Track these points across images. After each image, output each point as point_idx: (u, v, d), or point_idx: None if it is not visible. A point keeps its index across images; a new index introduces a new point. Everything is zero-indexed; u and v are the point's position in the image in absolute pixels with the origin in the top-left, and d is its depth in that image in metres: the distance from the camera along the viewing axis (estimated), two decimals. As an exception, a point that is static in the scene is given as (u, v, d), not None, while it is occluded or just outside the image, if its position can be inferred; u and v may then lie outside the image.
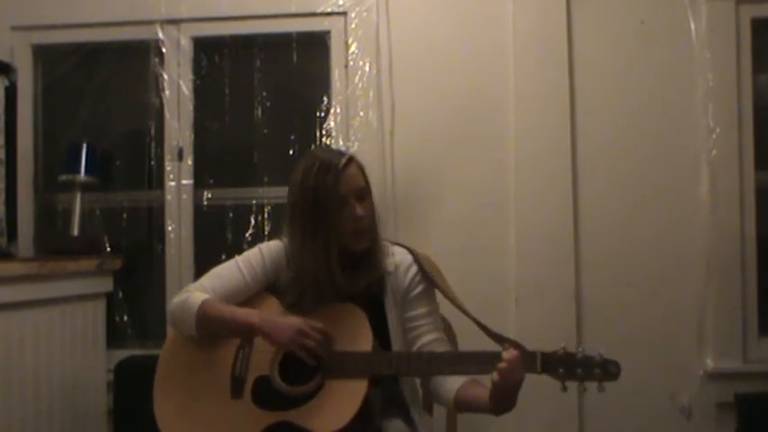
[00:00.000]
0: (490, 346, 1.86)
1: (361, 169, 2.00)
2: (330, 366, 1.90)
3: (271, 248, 2.09)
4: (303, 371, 1.91)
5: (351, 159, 1.98)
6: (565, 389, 1.79)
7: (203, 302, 1.95)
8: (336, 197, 1.92)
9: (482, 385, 1.86)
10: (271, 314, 1.96)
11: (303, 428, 1.85)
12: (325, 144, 2.91)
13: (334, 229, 1.92)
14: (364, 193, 1.98)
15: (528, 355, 1.78)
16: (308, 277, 1.96)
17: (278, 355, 1.96)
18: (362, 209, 1.94)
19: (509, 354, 1.73)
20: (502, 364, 1.71)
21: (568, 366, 1.77)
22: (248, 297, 2.06)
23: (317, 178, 1.92)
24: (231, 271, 2.05)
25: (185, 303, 1.97)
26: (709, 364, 2.70)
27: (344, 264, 1.97)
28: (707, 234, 2.71)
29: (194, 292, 1.99)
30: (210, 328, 1.97)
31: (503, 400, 1.77)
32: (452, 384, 1.93)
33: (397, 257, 2.08)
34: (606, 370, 1.76)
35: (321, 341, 1.87)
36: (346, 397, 1.86)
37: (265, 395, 1.91)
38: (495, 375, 1.72)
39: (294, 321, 1.89)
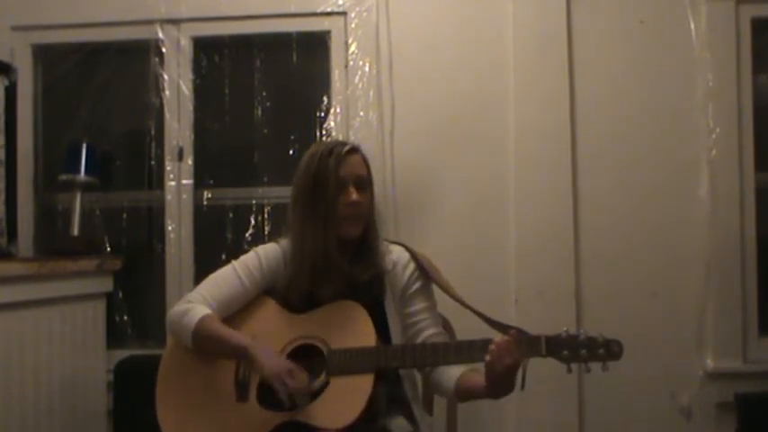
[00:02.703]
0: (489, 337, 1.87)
1: (365, 161, 2.06)
2: (335, 363, 1.91)
3: (267, 252, 2.10)
4: (307, 370, 1.91)
5: (355, 149, 2.04)
6: (570, 370, 1.81)
7: (200, 320, 1.95)
8: (336, 179, 1.97)
9: (480, 372, 1.87)
10: (266, 346, 1.94)
11: (312, 426, 1.85)
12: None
13: (332, 212, 1.96)
14: (363, 183, 2.03)
15: (532, 339, 1.81)
16: (307, 261, 1.98)
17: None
18: (358, 196, 1.99)
19: (501, 338, 1.75)
20: (492, 347, 1.74)
21: (572, 348, 1.79)
22: (247, 302, 2.06)
23: (320, 162, 1.99)
24: (229, 277, 2.06)
25: (183, 318, 1.97)
26: (710, 364, 2.70)
27: (343, 253, 2.01)
28: (707, 234, 2.71)
29: (195, 306, 1.99)
30: (205, 347, 1.97)
31: (497, 383, 1.78)
32: (453, 375, 1.95)
33: (395, 255, 2.10)
34: (609, 350, 1.79)
35: (302, 389, 1.86)
36: (353, 393, 1.87)
37: (271, 396, 1.91)
38: (487, 358, 1.74)
39: (286, 362, 1.90)
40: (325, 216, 1.97)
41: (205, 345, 1.97)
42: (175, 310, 2.01)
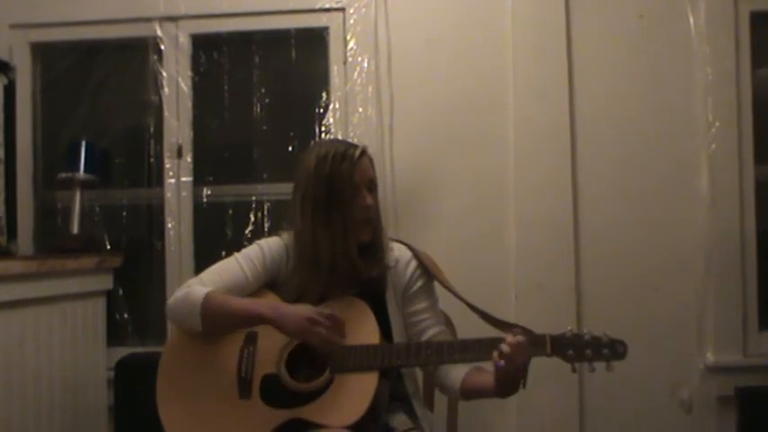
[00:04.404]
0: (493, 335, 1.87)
1: (372, 162, 2.05)
2: (339, 361, 1.90)
3: (270, 245, 2.09)
4: (311, 367, 1.91)
5: (364, 150, 2.03)
6: (574, 370, 1.82)
7: (207, 295, 1.93)
8: (351, 185, 1.95)
9: (487, 371, 1.88)
10: (278, 303, 1.95)
11: (316, 424, 1.84)
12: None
13: (350, 217, 1.96)
14: (373, 185, 2.03)
15: (537, 338, 1.81)
16: (325, 267, 1.97)
17: (284, 352, 1.95)
18: (371, 199, 1.99)
19: (512, 338, 1.75)
20: (504, 347, 1.73)
21: (577, 348, 1.80)
22: (248, 294, 2.05)
23: (333, 166, 1.96)
24: (231, 268, 2.04)
25: (187, 298, 1.95)
26: (710, 357, 2.70)
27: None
28: (706, 228, 2.71)
29: (196, 287, 1.98)
30: (216, 321, 1.95)
31: (507, 382, 1.78)
32: (458, 374, 1.95)
33: (397, 253, 2.10)
34: (614, 349, 1.80)
35: (332, 327, 1.86)
36: (358, 390, 1.86)
37: (274, 393, 1.91)
38: (497, 358, 1.74)
39: (303, 310, 1.89)
40: (343, 222, 1.96)
41: (215, 319, 1.94)
42: (175, 295, 2.00)
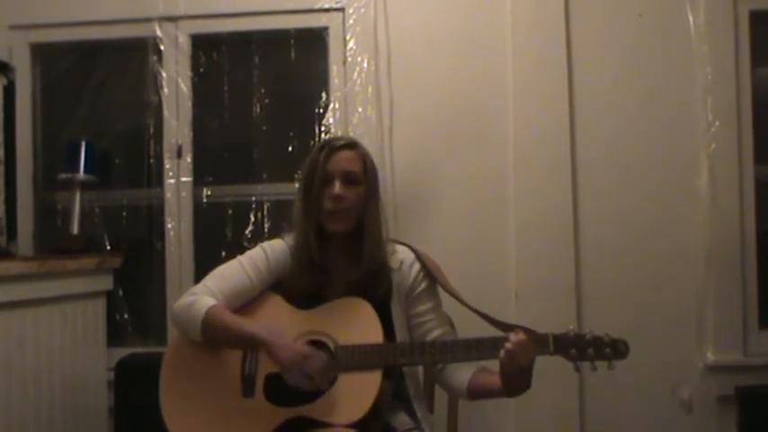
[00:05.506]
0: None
1: (362, 158, 2.04)
2: (343, 359, 1.91)
3: (274, 247, 2.10)
4: None
5: (352, 144, 2.04)
6: (578, 369, 1.84)
7: (210, 309, 1.94)
8: (323, 173, 1.98)
9: (493, 372, 1.89)
10: (279, 332, 1.92)
11: (320, 422, 1.85)
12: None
13: (315, 205, 1.98)
14: (353, 178, 2.01)
15: (540, 337, 1.83)
16: (296, 255, 2.01)
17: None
18: (343, 190, 1.97)
19: (516, 336, 1.77)
20: (508, 345, 1.75)
21: (580, 347, 1.83)
22: (253, 296, 2.06)
23: (312, 155, 2.02)
24: (236, 271, 2.05)
25: (191, 308, 1.95)
26: (710, 357, 2.70)
27: (338, 250, 2.03)
28: (706, 227, 2.71)
29: (201, 297, 1.97)
30: (215, 337, 1.95)
31: (513, 381, 1.80)
32: (464, 374, 1.96)
33: (401, 255, 2.10)
34: (616, 349, 1.82)
35: (322, 372, 1.85)
36: (362, 389, 1.87)
37: (277, 392, 1.91)
38: (502, 355, 1.76)
39: (300, 347, 1.88)
40: (308, 209, 1.99)
41: (215, 335, 1.94)
42: (181, 302, 1.99)
